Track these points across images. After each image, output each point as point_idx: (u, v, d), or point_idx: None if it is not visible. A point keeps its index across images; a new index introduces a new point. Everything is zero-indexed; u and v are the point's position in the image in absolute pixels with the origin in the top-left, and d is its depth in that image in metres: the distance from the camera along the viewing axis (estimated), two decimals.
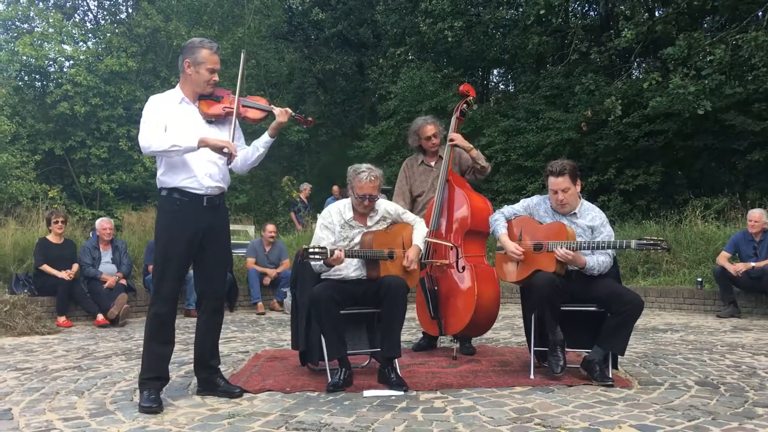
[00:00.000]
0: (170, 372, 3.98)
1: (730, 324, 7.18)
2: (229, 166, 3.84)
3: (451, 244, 5.03)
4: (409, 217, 4.59)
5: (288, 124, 20.49)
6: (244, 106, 3.93)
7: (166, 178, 3.80)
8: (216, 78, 3.85)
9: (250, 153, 3.98)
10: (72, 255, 8.00)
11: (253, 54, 20.25)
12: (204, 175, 3.79)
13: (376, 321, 4.48)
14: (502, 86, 22.39)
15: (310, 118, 4.17)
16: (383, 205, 4.50)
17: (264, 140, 3.95)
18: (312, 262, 4.21)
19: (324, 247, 4.06)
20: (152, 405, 3.57)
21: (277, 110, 3.90)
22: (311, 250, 4.03)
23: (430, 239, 4.93)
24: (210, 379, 3.97)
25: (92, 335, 6.85)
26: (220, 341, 4.19)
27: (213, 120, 3.88)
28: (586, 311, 4.34)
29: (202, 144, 3.67)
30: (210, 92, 3.88)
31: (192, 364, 4.88)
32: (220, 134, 3.86)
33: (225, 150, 3.69)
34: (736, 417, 3.33)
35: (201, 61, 3.80)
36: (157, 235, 3.91)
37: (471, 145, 5.42)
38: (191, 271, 4.05)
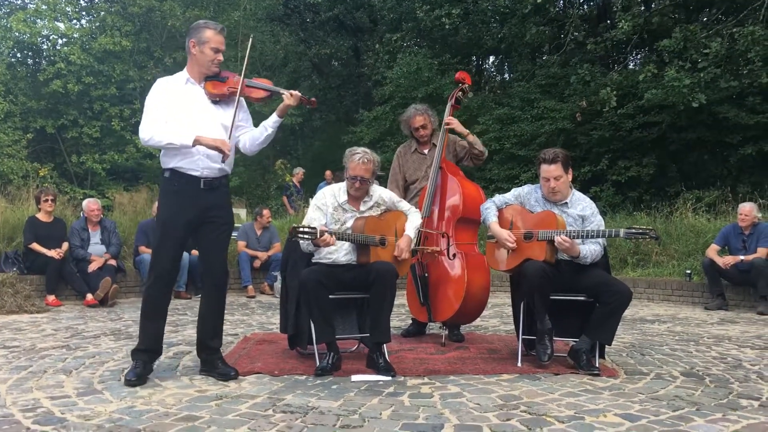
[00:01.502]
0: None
1: (718, 316, 7.23)
2: (223, 164, 3.88)
3: (441, 232, 5.04)
4: (404, 206, 4.59)
5: None
6: (247, 86, 3.98)
7: (165, 158, 3.90)
8: (220, 58, 3.89)
9: (258, 133, 4.04)
10: (62, 234, 7.97)
11: (248, 36, 20.12)
12: (202, 156, 3.82)
13: (365, 306, 4.49)
14: (498, 76, 22.31)
15: (312, 99, 4.21)
16: (378, 191, 4.50)
17: (273, 120, 4.01)
18: (300, 242, 4.21)
19: (314, 228, 4.07)
20: (132, 378, 3.74)
21: (286, 93, 3.96)
22: (300, 229, 4.03)
23: (422, 229, 4.94)
24: (209, 360, 4.00)
25: (81, 315, 6.84)
26: None
27: (218, 100, 3.94)
28: (575, 301, 4.36)
29: (197, 143, 3.75)
30: (216, 73, 3.93)
31: (180, 346, 4.92)
32: (225, 114, 3.92)
33: (222, 147, 3.77)
34: (720, 408, 3.36)
35: (205, 40, 3.84)
36: (158, 216, 4.06)
37: (467, 131, 5.40)
38: (185, 254, 4.08)
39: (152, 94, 3.86)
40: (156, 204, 4.06)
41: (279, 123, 4.02)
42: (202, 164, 3.84)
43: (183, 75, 3.94)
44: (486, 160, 5.67)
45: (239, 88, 3.90)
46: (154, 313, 3.92)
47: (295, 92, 3.98)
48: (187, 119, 3.80)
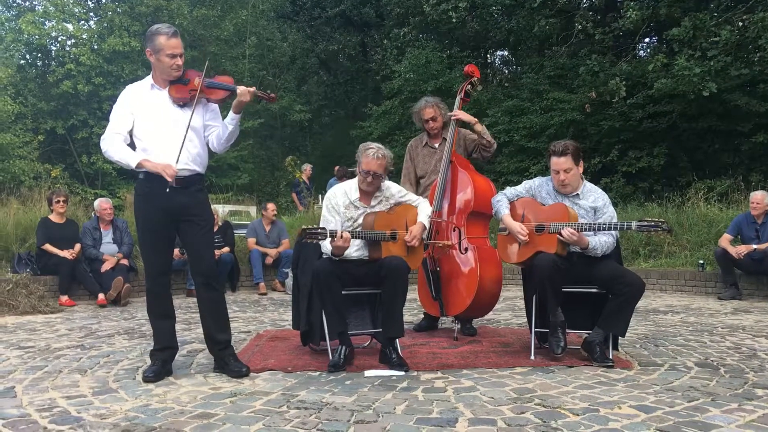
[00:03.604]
0: None
1: (731, 306, 7.19)
2: (168, 189, 3.81)
3: (451, 223, 5.03)
4: (412, 197, 4.58)
5: (288, 104, 20.34)
6: (208, 87, 3.96)
7: None
8: (178, 62, 3.87)
9: (221, 132, 4.02)
10: (74, 234, 8.02)
11: (256, 34, 20.15)
12: (167, 158, 3.84)
13: (378, 301, 4.49)
14: (506, 70, 22.22)
15: (272, 94, 4.18)
16: (387, 186, 4.50)
17: (230, 117, 4.00)
18: (322, 249, 4.25)
19: (323, 228, 4.07)
20: (149, 375, 3.81)
21: (239, 89, 3.93)
22: (309, 230, 4.03)
23: (433, 219, 4.94)
24: (220, 356, 4.02)
25: (95, 314, 6.88)
26: None
27: (182, 103, 3.94)
28: (587, 293, 4.34)
29: (141, 167, 3.81)
30: (178, 77, 3.92)
31: (194, 344, 4.94)
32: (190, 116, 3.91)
33: (163, 174, 3.76)
34: (735, 398, 3.34)
35: (159, 48, 3.83)
36: (135, 218, 4.09)
37: (475, 119, 5.36)
38: None
39: (117, 103, 3.91)
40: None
41: (237, 119, 3.99)
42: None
43: (148, 80, 3.96)
44: (496, 152, 5.63)
45: (198, 90, 3.89)
46: (161, 312, 3.99)
47: (248, 88, 3.94)
48: (153, 126, 3.84)
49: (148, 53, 3.86)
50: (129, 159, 3.81)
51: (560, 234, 4.15)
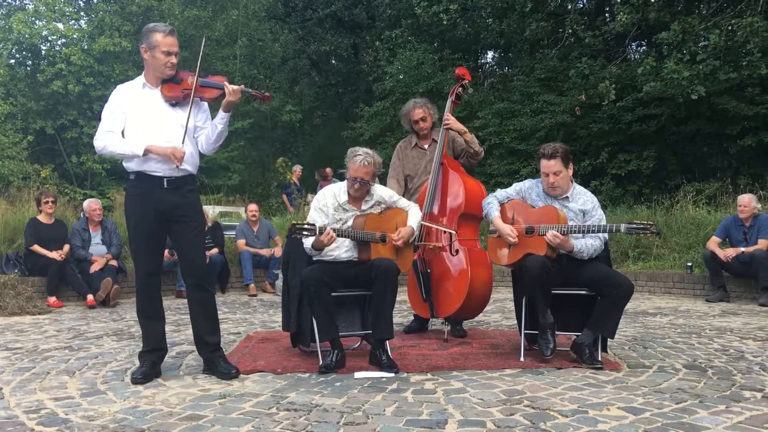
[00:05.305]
0: None
1: (719, 308, 7.23)
2: (176, 169, 3.86)
3: (451, 231, 5.03)
4: (403, 203, 4.59)
5: (279, 105, 20.30)
6: (202, 86, 3.95)
7: (129, 164, 3.92)
8: (173, 60, 3.86)
9: (210, 132, 4.01)
10: (63, 235, 7.98)
11: (247, 35, 20.14)
12: (161, 160, 3.84)
13: (368, 303, 4.49)
14: (498, 71, 22.27)
15: (267, 94, 4.18)
16: (378, 191, 4.50)
17: (220, 116, 3.99)
18: (305, 244, 4.23)
19: (312, 224, 4.07)
20: (138, 377, 3.80)
21: (228, 88, 3.92)
22: (298, 225, 4.03)
23: (425, 223, 4.95)
24: (210, 358, 4.01)
25: (83, 315, 6.85)
26: None
27: (175, 103, 3.93)
28: (577, 295, 4.36)
29: (148, 152, 3.79)
30: (171, 75, 3.91)
31: (183, 345, 4.93)
32: (183, 116, 3.91)
33: (172, 157, 3.80)
34: (723, 400, 3.36)
35: (155, 44, 3.82)
36: (126, 218, 4.06)
37: (465, 129, 5.40)
38: None
39: (108, 103, 3.90)
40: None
41: (227, 118, 3.98)
42: (165, 166, 3.86)
43: (140, 80, 3.95)
44: (486, 154, 5.67)
45: (193, 89, 3.88)
46: (150, 313, 3.98)
47: (237, 87, 3.93)
48: (145, 125, 3.83)
49: (143, 49, 3.85)
50: (134, 148, 3.78)
51: (545, 236, 4.17)
